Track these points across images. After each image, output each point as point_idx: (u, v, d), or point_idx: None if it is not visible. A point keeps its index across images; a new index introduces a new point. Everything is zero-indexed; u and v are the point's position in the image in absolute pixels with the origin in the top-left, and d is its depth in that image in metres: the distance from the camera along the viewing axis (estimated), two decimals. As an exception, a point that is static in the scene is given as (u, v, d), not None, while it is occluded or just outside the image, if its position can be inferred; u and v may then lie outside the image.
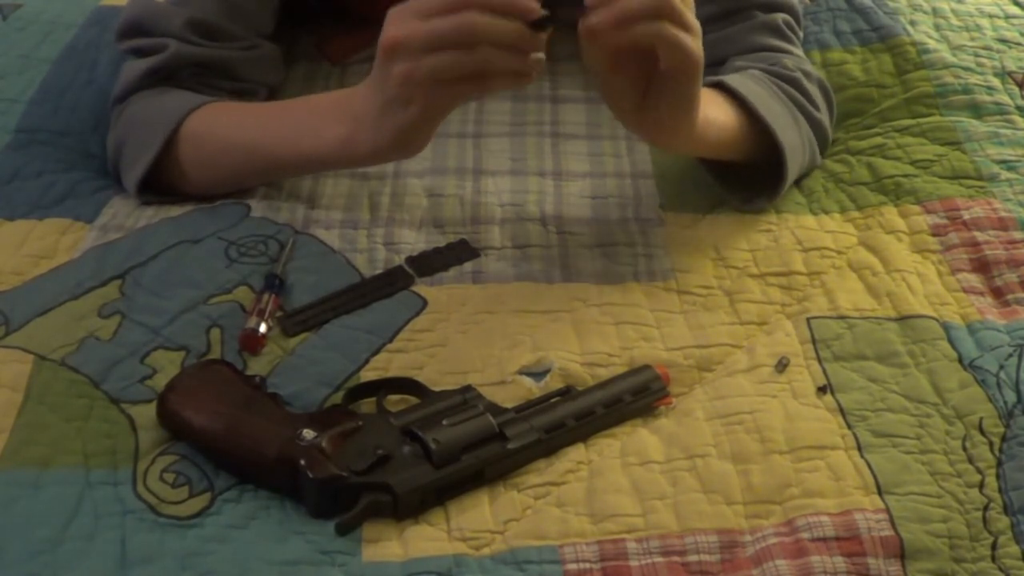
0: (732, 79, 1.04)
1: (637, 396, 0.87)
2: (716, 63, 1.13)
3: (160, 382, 0.86)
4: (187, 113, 1.03)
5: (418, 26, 0.88)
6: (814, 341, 0.92)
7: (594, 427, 0.86)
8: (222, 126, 1.03)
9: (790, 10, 1.15)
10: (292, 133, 0.99)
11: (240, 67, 1.10)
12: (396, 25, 0.89)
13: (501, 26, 0.87)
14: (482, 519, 0.79)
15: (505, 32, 0.87)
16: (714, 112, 0.99)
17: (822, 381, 0.89)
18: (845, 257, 1.01)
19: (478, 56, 0.88)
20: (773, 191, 1.06)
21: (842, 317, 0.95)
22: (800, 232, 1.04)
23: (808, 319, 0.94)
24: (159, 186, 1.05)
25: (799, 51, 1.15)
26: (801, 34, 1.17)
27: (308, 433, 0.80)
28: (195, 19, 1.07)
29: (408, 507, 0.79)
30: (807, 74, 1.11)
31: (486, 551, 0.77)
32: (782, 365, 0.90)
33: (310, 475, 0.78)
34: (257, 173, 1.04)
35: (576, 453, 0.84)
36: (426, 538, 0.78)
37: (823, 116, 1.11)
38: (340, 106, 0.97)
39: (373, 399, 0.86)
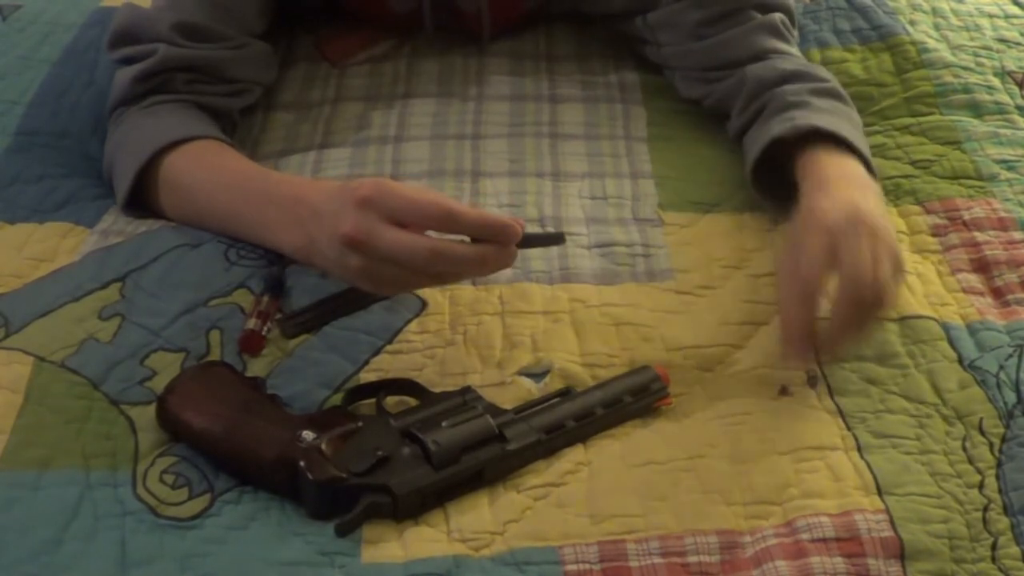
0: (825, 121, 1.01)
1: (637, 396, 0.87)
2: (721, 67, 1.13)
3: (160, 384, 0.86)
4: (160, 148, 1.02)
5: (382, 235, 0.83)
6: (813, 342, 0.93)
7: (594, 428, 0.86)
8: (197, 185, 1.01)
9: (785, 9, 1.15)
10: (254, 224, 0.96)
11: (230, 67, 1.10)
12: (358, 221, 0.83)
13: (471, 258, 0.84)
14: (482, 520, 0.79)
15: (474, 264, 0.85)
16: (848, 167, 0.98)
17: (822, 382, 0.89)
18: (845, 257, 1.01)
19: (443, 277, 0.88)
20: None
21: (842, 317, 0.95)
22: (799, 232, 1.04)
23: (807, 320, 0.94)
24: (147, 202, 1.05)
25: (796, 51, 1.15)
26: (796, 33, 1.18)
27: (308, 435, 0.80)
28: (182, 22, 1.07)
29: (407, 508, 0.79)
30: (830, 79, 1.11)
31: (486, 552, 0.77)
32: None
33: (310, 477, 0.78)
34: (229, 236, 1.00)
35: (576, 454, 0.84)
36: (426, 539, 0.78)
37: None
38: (297, 212, 0.91)
39: (372, 400, 0.86)
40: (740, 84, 1.11)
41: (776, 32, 1.14)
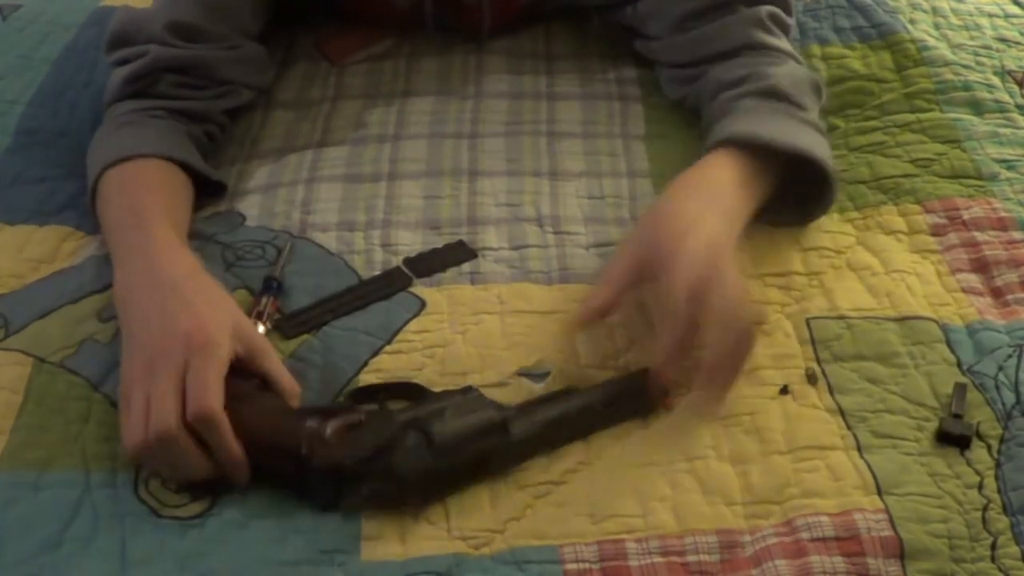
0: (742, 129, 1.00)
1: (637, 397, 0.87)
2: (697, 63, 1.12)
3: (159, 384, 0.86)
4: (106, 166, 1.00)
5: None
6: (813, 341, 0.92)
7: (594, 427, 0.86)
8: (106, 212, 0.98)
9: (777, 1, 1.14)
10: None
11: (221, 67, 1.10)
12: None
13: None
14: (482, 518, 0.79)
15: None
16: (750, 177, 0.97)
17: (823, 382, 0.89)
18: (844, 257, 1.01)
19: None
20: (824, 200, 1.03)
21: (841, 317, 0.95)
22: (798, 232, 1.04)
23: (807, 319, 0.94)
24: None
25: (784, 44, 1.13)
26: (792, 23, 1.16)
27: (312, 422, 0.80)
28: (175, 21, 1.07)
29: (411, 494, 0.79)
30: (790, 74, 1.08)
31: (486, 550, 0.78)
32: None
33: (313, 462, 0.78)
34: None
35: (576, 453, 0.84)
36: (426, 537, 0.78)
37: (812, 114, 1.06)
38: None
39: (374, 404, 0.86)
40: (705, 86, 1.10)
41: (759, 25, 1.12)
